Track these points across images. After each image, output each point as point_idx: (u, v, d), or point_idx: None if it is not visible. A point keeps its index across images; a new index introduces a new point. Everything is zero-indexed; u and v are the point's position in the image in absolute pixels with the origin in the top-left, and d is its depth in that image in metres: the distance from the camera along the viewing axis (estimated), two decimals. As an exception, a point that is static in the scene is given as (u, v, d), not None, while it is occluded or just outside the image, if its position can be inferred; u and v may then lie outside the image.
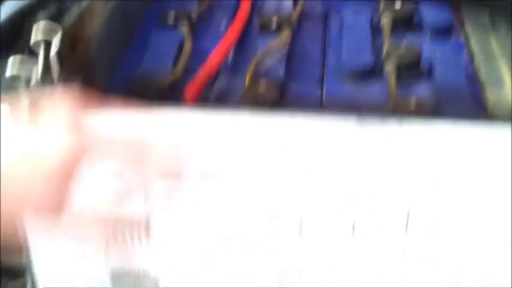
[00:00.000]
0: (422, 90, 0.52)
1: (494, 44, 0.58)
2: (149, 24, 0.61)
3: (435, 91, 0.52)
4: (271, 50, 0.56)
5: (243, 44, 0.59)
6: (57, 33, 0.45)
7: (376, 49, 0.57)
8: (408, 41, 0.57)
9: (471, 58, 0.56)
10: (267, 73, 0.53)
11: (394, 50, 0.55)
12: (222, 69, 0.55)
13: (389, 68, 0.53)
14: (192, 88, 0.51)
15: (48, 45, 0.44)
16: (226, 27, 0.60)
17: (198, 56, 0.55)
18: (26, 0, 0.49)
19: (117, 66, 0.55)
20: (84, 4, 0.51)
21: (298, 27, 0.62)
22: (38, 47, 0.45)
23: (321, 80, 0.54)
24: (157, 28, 0.60)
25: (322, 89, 0.53)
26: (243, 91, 0.51)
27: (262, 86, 0.51)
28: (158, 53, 0.56)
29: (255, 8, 0.64)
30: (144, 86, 0.50)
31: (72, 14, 0.49)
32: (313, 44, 0.60)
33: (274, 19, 0.60)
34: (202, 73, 0.52)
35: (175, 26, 0.60)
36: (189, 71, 0.53)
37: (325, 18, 0.64)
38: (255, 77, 0.52)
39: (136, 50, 0.57)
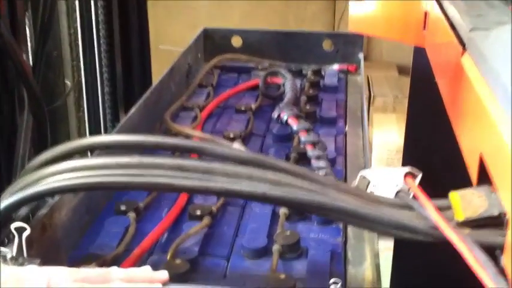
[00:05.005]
0: (299, 266, 0.69)
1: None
2: (106, 213, 0.78)
3: (308, 267, 0.68)
4: (190, 233, 0.72)
5: (175, 227, 0.76)
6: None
7: (272, 233, 0.73)
8: (292, 228, 0.74)
9: (345, 240, 0.74)
10: (184, 251, 0.70)
11: (281, 234, 0.72)
12: (157, 247, 0.72)
13: (275, 248, 0.70)
14: (126, 263, 0.66)
15: (21, 231, 0.59)
16: (167, 214, 0.77)
17: (140, 237, 0.72)
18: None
19: (78, 245, 0.72)
20: (56, 199, 0.68)
21: (221, 214, 0.79)
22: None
23: (228, 256, 0.71)
24: (112, 216, 0.77)
25: (227, 264, 0.70)
26: (164, 264, 0.66)
27: (177, 261, 0.67)
28: (108, 235, 0.73)
29: (191, 199, 0.81)
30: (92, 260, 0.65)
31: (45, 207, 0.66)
32: (229, 228, 0.76)
33: (198, 209, 0.77)
34: (138, 251, 0.69)
35: (125, 214, 0.76)
36: (131, 249, 0.69)
37: (243, 208, 0.81)
38: (175, 254, 0.68)
39: (94, 232, 0.74)
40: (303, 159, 0.92)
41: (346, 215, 0.58)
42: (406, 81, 2.85)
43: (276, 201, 0.61)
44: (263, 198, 0.58)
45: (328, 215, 0.62)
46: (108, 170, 0.59)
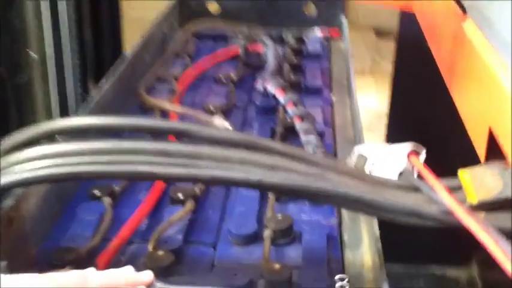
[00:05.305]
0: (293, 253, 0.63)
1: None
2: (79, 199, 0.70)
3: (303, 254, 0.62)
4: (173, 219, 0.65)
5: (155, 213, 0.69)
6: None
7: (261, 216, 0.67)
8: (283, 209, 0.68)
9: (340, 222, 0.68)
10: (167, 240, 0.63)
11: (272, 218, 0.65)
12: (136, 236, 0.65)
13: (267, 234, 0.63)
14: (104, 255, 0.60)
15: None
16: (145, 198, 0.70)
17: (117, 225, 0.65)
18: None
19: (48, 236, 0.65)
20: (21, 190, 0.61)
21: (205, 196, 0.72)
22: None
23: (215, 244, 0.64)
24: (85, 202, 0.69)
25: (215, 252, 0.63)
26: (145, 256, 0.60)
27: (160, 252, 0.60)
28: (82, 224, 0.66)
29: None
30: (65, 254, 0.59)
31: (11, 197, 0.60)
32: (214, 212, 0.70)
33: (180, 192, 0.70)
34: (116, 241, 0.62)
35: (99, 199, 0.69)
36: (107, 238, 0.63)
37: (228, 188, 0.74)
38: (157, 244, 0.62)
39: (65, 221, 0.66)
40: (290, 133, 0.86)
41: (349, 201, 0.52)
42: (384, 44, 2.80)
43: (272, 189, 0.55)
44: (258, 186, 0.52)
45: (330, 202, 0.57)
46: (81, 157, 0.52)
